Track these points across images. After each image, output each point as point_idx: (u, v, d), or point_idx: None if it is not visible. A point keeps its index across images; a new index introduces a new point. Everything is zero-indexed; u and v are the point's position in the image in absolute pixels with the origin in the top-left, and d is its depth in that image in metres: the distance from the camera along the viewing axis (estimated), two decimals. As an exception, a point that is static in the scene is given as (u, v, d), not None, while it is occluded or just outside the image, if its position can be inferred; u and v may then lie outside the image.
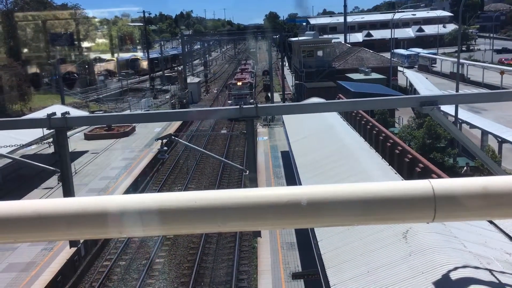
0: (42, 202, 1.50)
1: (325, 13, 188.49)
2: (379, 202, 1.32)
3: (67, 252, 19.33)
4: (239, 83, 51.56)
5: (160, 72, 74.80)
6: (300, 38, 69.05)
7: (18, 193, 25.75)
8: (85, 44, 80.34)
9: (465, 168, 26.08)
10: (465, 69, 62.54)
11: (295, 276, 16.02)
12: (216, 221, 1.35)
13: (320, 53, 55.48)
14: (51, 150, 30.66)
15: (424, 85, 50.41)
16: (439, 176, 18.01)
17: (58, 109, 30.59)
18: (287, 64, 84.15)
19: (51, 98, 57.26)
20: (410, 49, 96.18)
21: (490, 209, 1.59)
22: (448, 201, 1.33)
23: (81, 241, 18.04)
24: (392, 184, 1.33)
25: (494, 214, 1.68)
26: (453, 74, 58.43)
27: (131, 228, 1.39)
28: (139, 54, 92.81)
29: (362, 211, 1.31)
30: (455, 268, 9.18)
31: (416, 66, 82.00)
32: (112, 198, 1.37)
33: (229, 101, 50.52)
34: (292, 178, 23.42)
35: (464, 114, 32.52)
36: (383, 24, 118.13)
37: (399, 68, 61.86)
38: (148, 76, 72.33)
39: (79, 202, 1.47)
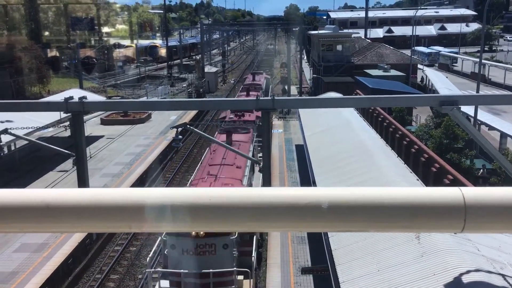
0: (52, 191, 1.45)
1: (346, 7, 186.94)
2: (405, 209, 1.24)
3: (79, 235, 19.54)
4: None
5: (178, 60, 74.92)
6: (320, 31, 68.39)
7: (33, 175, 26.05)
8: (105, 30, 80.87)
9: (481, 170, 25.67)
10: (487, 69, 61.42)
11: (304, 271, 15.98)
12: (229, 220, 1.29)
13: (339, 47, 54.94)
14: (67, 133, 30.96)
15: (444, 84, 49.62)
16: (454, 177, 17.74)
17: (75, 93, 30.70)
18: (305, 58, 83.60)
19: (69, 82, 57.76)
20: (431, 47, 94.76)
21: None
22: (480, 211, 1.23)
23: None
24: (419, 190, 1.24)
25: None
26: (474, 74, 57.47)
27: (138, 223, 1.33)
28: (158, 41, 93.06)
29: (386, 218, 1.23)
30: (467, 271, 9.03)
31: (437, 65, 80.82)
32: (121, 190, 1.32)
33: None
34: (305, 172, 23.32)
35: (483, 115, 31.95)
36: (405, 20, 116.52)
37: (419, 66, 61.02)
38: (166, 63, 72.47)
39: (90, 193, 1.42)
